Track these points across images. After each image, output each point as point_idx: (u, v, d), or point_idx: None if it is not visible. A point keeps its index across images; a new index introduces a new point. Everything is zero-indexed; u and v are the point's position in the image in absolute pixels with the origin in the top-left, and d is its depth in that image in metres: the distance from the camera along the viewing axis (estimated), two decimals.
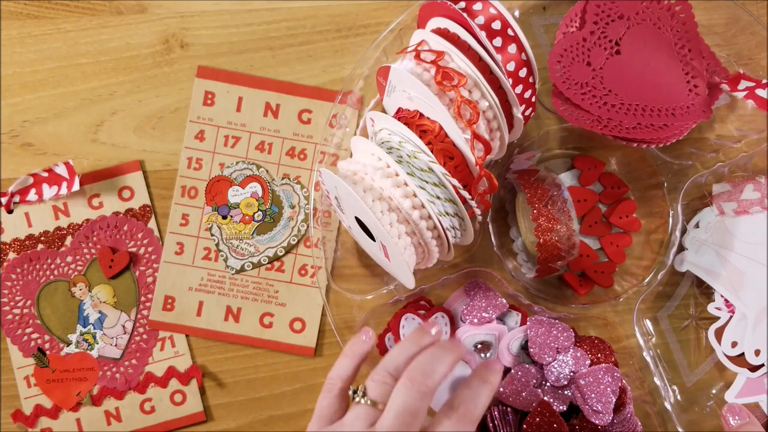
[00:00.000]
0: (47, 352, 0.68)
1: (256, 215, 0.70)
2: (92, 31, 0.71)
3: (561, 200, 0.64)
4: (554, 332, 0.65)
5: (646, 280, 0.68)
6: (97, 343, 0.69)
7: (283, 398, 0.69)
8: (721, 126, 0.70)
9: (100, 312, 0.69)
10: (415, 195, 0.57)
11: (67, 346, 0.69)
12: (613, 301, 0.68)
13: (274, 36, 0.71)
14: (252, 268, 0.69)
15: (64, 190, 0.68)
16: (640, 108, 0.63)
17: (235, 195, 0.70)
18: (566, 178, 0.69)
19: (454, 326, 0.67)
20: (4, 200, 0.68)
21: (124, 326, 0.69)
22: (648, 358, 0.68)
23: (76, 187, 0.68)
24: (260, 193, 0.70)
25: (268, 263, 0.69)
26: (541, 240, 0.63)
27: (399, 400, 0.51)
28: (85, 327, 0.69)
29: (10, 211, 0.69)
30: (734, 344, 0.67)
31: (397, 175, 0.57)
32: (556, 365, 0.64)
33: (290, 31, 0.71)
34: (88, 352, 0.69)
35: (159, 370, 0.69)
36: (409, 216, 0.57)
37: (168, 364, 0.69)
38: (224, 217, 0.69)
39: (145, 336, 0.69)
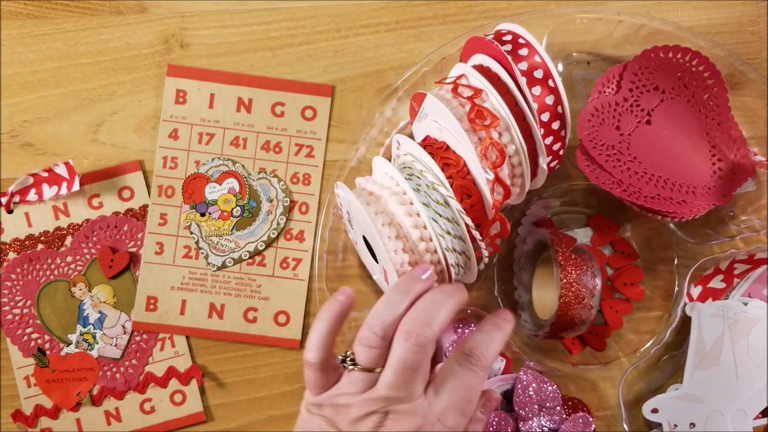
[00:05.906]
0: (47, 352, 0.68)
1: (234, 211, 0.70)
2: (92, 31, 0.71)
3: (591, 276, 0.62)
4: (543, 390, 0.64)
5: (639, 351, 0.67)
6: (97, 343, 0.69)
7: (283, 398, 0.69)
8: (743, 213, 0.68)
9: (100, 312, 0.69)
10: (425, 227, 0.56)
11: (67, 346, 0.69)
12: (603, 366, 0.67)
13: (274, 36, 0.71)
14: (233, 264, 0.69)
15: (64, 190, 0.68)
16: (662, 180, 0.63)
17: (212, 192, 0.70)
18: (578, 235, 0.69)
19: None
20: (4, 200, 0.68)
21: (124, 326, 0.69)
22: (627, 430, 0.66)
23: (76, 187, 0.68)
24: (237, 189, 0.70)
25: (249, 258, 0.69)
26: (560, 312, 0.62)
27: (396, 356, 0.49)
28: (85, 327, 0.69)
29: (10, 211, 0.69)
30: (693, 425, 0.63)
31: (411, 204, 0.57)
32: (535, 422, 0.64)
33: (290, 31, 0.71)
34: (88, 352, 0.69)
35: (159, 370, 0.69)
36: (415, 247, 0.57)
37: (168, 364, 0.69)
38: (203, 215, 0.69)
39: (145, 336, 0.69)
